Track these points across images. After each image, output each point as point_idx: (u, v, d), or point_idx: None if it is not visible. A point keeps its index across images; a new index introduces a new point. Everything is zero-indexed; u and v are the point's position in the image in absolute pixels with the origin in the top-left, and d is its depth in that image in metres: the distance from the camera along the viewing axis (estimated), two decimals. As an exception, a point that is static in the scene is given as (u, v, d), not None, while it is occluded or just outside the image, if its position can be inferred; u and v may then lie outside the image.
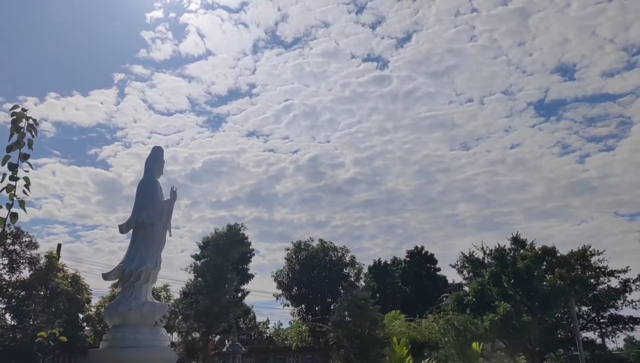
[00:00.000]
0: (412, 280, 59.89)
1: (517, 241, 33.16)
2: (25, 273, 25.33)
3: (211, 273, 29.67)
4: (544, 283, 19.51)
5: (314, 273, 35.61)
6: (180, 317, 29.72)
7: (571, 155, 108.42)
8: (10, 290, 24.62)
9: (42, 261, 25.66)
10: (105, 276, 17.90)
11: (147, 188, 17.24)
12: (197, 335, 30.44)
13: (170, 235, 17.26)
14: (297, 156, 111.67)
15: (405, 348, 11.03)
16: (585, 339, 28.82)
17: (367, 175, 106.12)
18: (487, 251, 32.36)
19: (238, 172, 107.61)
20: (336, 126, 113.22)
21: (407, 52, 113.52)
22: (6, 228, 26.18)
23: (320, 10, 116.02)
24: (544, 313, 20.25)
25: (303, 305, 36.53)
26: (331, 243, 38.01)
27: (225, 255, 30.50)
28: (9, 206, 4.46)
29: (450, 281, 58.25)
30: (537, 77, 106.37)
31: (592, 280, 27.53)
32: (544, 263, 20.48)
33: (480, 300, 20.86)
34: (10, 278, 24.65)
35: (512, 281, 19.25)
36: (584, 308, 31.30)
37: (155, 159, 18.12)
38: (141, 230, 16.84)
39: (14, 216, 4.09)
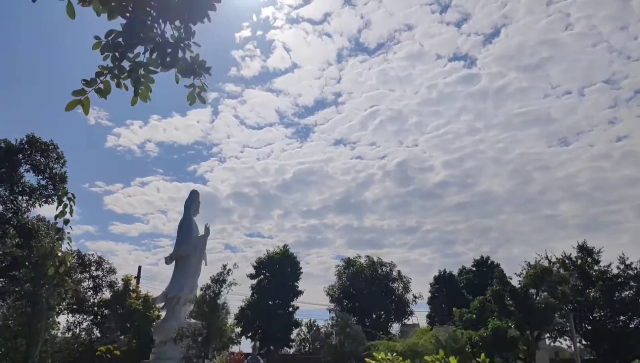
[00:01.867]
0: (477, 289, 59.74)
1: (584, 249, 33.12)
2: (107, 294, 29.74)
3: (265, 291, 32.65)
4: (537, 300, 20.19)
5: (361, 286, 37.59)
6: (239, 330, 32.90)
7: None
8: (95, 308, 29.06)
9: (120, 284, 29.99)
10: (154, 301, 21.61)
11: (184, 227, 20.68)
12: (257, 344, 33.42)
13: (206, 264, 20.41)
14: (385, 162, 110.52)
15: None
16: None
17: (459, 177, 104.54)
18: (553, 260, 32.53)
19: (327, 180, 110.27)
20: (424, 128, 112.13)
21: (495, 48, 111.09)
22: (90, 256, 30.71)
23: (403, 13, 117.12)
24: (541, 329, 20.87)
25: (355, 318, 38.58)
26: (379, 259, 39.85)
27: (278, 274, 33.38)
28: (54, 260, 7.71)
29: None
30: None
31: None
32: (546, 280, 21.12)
33: (480, 316, 21.98)
34: (94, 299, 29.10)
35: (508, 299, 20.23)
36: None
37: (192, 201, 21.60)
38: (180, 261, 20.28)
39: (61, 264, 7.10)
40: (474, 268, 66.09)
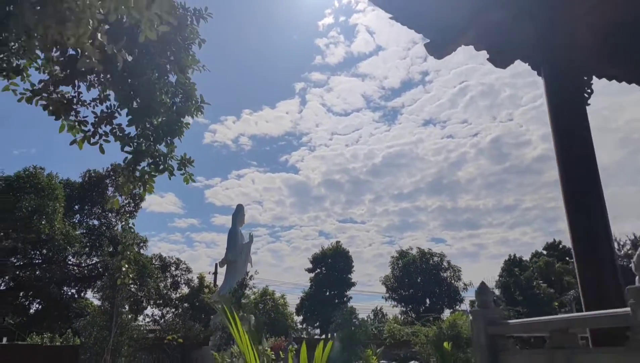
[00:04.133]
0: (547, 274, 59.13)
1: None
2: (185, 290, 34.53)
3: (322, 284, 35.93)
4: (538, 291, 21.21)
5: (414, 276, 39.81)
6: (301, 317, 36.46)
7: None
8: (176, 302, 33.94)
9: (195, 281, 34.68)
10: (212, 299, 25.65)
11: (232, 236, 24.43)
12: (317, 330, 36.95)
13: (252, 266, 23.99)
14: (478, 139, 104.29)
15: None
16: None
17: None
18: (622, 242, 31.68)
19: (417, 162, 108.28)
20: (518, 101, 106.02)
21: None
22: (170, 259, 35.76)
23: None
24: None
25: (410, 306, 40.91)
26: (430, 249, 41.83)
27: (333, 268, 36.51)
28: (120, 274, 11.83)
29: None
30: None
31: None
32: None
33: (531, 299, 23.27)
34: (174, 294, 33.99)
35: (512, 289, 21.51)
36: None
37: (238, 213, 25.30)
38: (229, 265, 24.09)
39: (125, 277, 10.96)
40: (544, 252, 65.10)
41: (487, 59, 6.83)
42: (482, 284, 5.61)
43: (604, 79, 7.04)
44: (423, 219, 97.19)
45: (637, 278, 3.82)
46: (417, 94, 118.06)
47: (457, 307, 39.16)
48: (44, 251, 30.18)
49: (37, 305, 30.89)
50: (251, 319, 20.31)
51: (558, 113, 5.77)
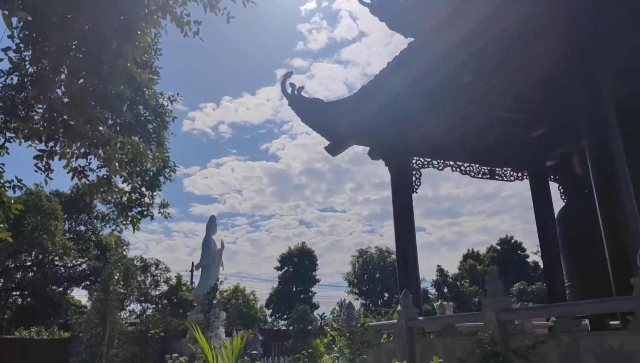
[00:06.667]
0: (501, 268, 63.16)
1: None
2: (164, 288, 37.87)
3: (289, 281, 39.62)
4: (463, 289, 25.27)
5: (371, 272, 43.91)
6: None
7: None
8: (156, 299, 37.23)
9: (174, 279, 38.05)
10: (190, 297, 29.18)
11: (206, 244, 27.79)
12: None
13: (224, 269, 27.32)
14: None
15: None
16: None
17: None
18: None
19: None
20: None
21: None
22: (149, 260, 39.09)
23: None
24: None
25: (370, 299, 45.02)
26: (388, 248, 46.01)
27: (299, 266, 40.24)
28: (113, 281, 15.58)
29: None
30: None
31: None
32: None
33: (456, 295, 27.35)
34: (154, 292, 37.33)
35: (441, 287, 25.53)
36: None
37: (211, 224, 28.66)
38: (204, 269, 27.47)
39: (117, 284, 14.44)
40: (498, 247, 69.56)
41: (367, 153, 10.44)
42: (405, 291, 8.29)
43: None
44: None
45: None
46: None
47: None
48: (33, 254, 33.07)
49: (29, 303, 33.71)
50: (222, 315, 23.72)
51: (395, 198, 9.50)
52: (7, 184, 5.55)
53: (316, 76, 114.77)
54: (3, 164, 5.47)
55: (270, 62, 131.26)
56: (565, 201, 9.62)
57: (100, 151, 5.34)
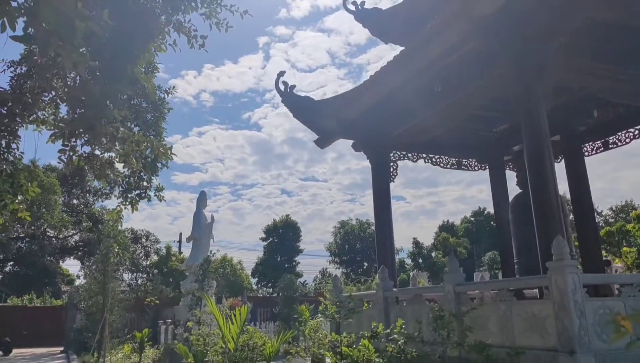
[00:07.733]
0: (475, 238, 65.75)
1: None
2: (155, 258, 39.24)
3: (274, 251, 41.31)
4: (436, 260, 27.37)
5: (352, 242, 45.94)
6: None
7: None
8: (147, 269, 38.64)
9: (163, 251, 39.43)
10: (181, 267, 30.60)
11: (196, 218, 29.03)
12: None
13: (214, 242, 28.70)
14: None
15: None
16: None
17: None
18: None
19: None
20: None
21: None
22: (140, 232, 40.44)
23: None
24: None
25: (350, 268, 47.15)
26: (368, 220, 47.95)
27: (283, 237, 41.91)
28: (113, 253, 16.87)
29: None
30: None
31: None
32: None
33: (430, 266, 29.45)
34: (145, 262, 38.67)
35: (416, 258, 27.62)
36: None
37: (201, 199, 29.86)
38: (195, 241, 28.80)
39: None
40: (472, 219, 72.24)
41: (352, 145, 11.83)
42: (382, 267, 9.91)
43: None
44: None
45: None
46: (384, 51, 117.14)
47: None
48: (26, 226, 33.96)
49: (25, 272, 34.77)
50: (214, 285, 25.27)
51: (375, 186, 10.96)
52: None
53: (299, 45, 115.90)
54: (22, 153, 6.03)
55: (253, 30, 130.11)
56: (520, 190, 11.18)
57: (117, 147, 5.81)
